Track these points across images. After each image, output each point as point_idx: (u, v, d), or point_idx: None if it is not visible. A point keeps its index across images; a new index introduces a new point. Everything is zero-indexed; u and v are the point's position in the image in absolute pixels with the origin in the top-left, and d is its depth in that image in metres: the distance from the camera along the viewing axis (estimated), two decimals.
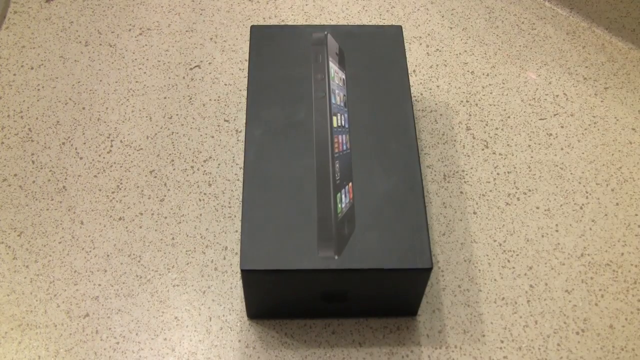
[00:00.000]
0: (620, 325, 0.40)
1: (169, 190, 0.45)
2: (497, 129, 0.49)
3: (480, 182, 0.46)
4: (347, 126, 0.41)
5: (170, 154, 0.47)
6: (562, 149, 0.48)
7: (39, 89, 0.50)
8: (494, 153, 0.48)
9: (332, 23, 0.55)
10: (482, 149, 0.48)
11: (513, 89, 0.51)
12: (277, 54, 0.44)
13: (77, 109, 0.49)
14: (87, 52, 0.53)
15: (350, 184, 0.39)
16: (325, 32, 0.45)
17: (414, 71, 0.52)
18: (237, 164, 0.47)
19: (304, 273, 0.36)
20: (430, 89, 0.51)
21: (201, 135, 0.48)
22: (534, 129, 0.49)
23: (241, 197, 0.45)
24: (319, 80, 0.43)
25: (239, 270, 0.41)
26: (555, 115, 0.50)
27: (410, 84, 0.51)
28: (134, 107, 0.50)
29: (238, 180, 0.46)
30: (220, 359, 0.39)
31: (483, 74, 0.52)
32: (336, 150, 0.40)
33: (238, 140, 0.48)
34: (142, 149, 0.47)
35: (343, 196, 0.38)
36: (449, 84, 0.51)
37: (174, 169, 0.46)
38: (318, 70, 0.43)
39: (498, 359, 0.39)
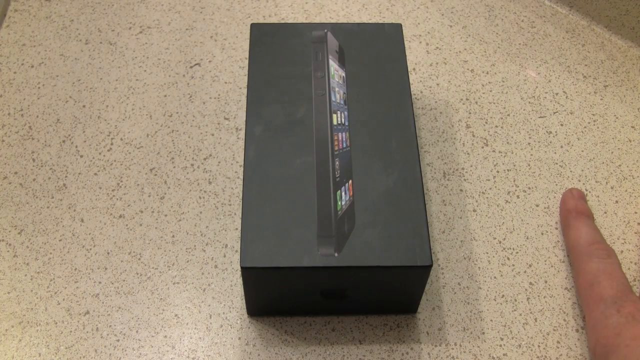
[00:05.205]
0: None
1: (169, 188, 0.45)
2: (496, 126, 0.49)
3: (480, 180, 0.46)
4: (347, 124, 0.41)
5: (170, 152, 0.47)
6: (561, 146, 0.48)
7: (39, 87, 0.50)
8: (493, 151, 0.48)
9: (332, 21, 0.55)
10: (482, 147, 0.48)
11: (513, 87, 0.51)
12: (277, 52, 0.44)
13: (78, 107, 0.49)
14: (88, 50, 0.53)
15: (350, 181, 0.39)
16: (325, 30, 0.45)
17: (414, 69, 0.52)
18: (237, 162, 0.47)
19: (303, 270, 0.36)
20: (430, 87, 0.51)
21: (201, 133, 0.48)
22: (534, 127, 0.49)
23: (241, 195, 0.45)
24: (319, 78, 0.43)
25: (239, 268, 0.41)
26: (554, 113, 0.50)
27: (410, 81, 0.51)
28: (134, 105, 0.50)
29: (238, 178, 0.46)
30: (220, 357, 0.39)
31: (483, 72, 0.52)
32: (336, 148, 0.40)
33: (238, 138, 0.48)
34: (142, 146, 0.47)
35: (343, 194, 0.38)
36: (449, 82, 0.51)
37: (174, 167, 0.46)
38: (318, 68, 0.43)
39: (498, 356, 0.39)
